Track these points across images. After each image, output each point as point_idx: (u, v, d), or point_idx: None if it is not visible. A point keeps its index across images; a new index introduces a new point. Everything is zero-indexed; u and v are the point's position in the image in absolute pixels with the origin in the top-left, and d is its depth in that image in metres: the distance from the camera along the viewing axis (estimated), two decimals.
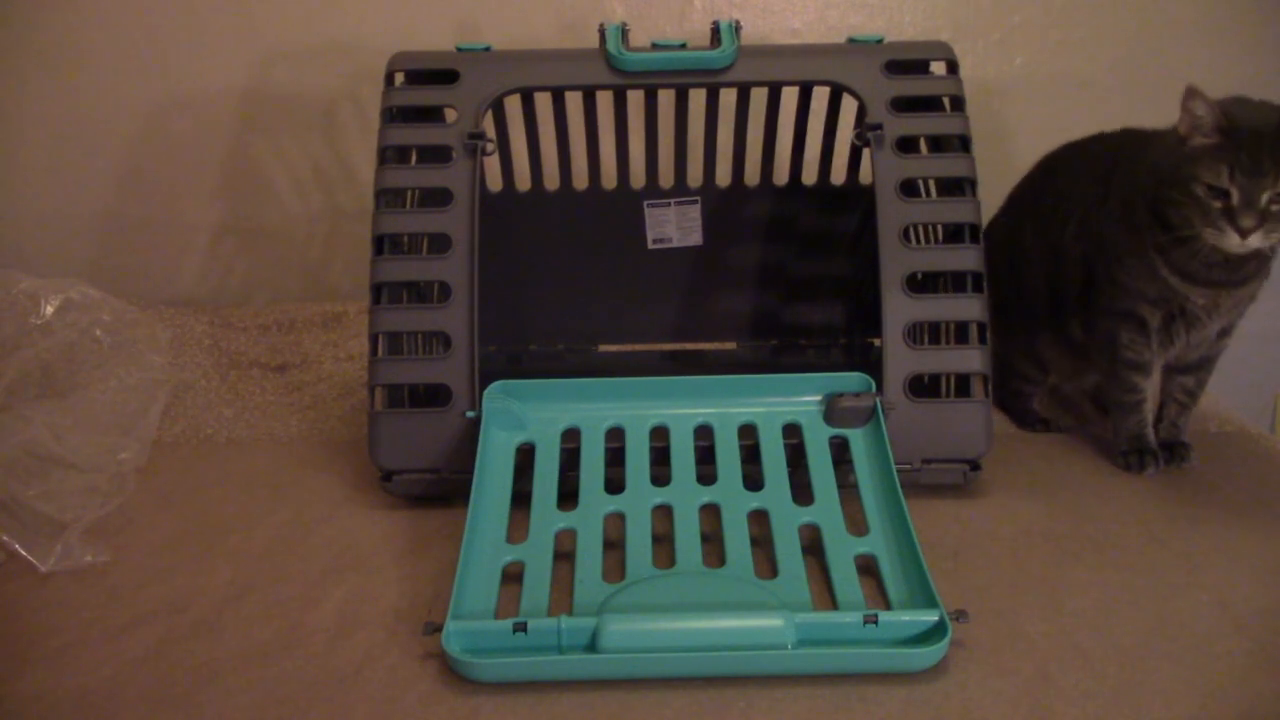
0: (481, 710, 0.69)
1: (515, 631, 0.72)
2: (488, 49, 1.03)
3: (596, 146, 1.13)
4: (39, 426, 0.96)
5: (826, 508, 0.86)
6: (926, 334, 1.03)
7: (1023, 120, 1.43)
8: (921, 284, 0.98)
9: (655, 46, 1.00)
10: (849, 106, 1.05)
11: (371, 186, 0.99)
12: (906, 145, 0.99)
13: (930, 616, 0.73)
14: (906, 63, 1.01)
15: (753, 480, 0.89)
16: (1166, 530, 0.91)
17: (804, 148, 1.15)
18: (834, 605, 0.78)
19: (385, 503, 0.97)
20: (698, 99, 1.09)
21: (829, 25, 1.41)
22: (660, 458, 0.92)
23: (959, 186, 0.99)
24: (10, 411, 1.00)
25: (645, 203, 1.18)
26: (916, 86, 1.01)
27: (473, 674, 0.71)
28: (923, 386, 1.00)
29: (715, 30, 1.03)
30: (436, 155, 1.00)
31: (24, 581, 0.85)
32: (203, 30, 1.40)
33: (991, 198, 1.02)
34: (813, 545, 0.84)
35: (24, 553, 0.87)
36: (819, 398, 0.96)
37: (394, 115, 1.00)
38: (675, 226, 1.19)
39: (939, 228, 1.03)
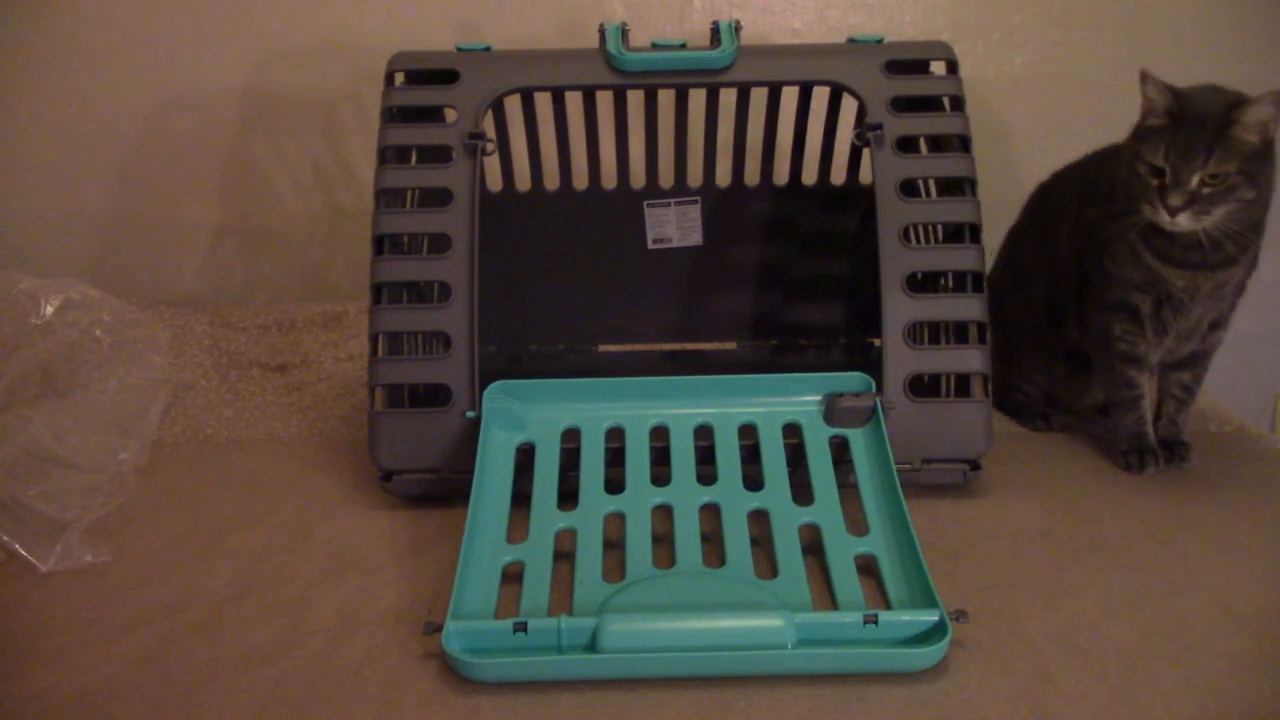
0: (481, 710, 0.69)
1: (515, 631, 0.72)
2: (488, 49, 1.03)
3: (596, 146, 1.13)
4: (39, 426, 0.96)
5: (826, 508, 0.86)
6: (926, 334, 1.03)
7: (1023, 120, 1.43)
8: (921, 284, 0.98)
9: (655, 46, 1.00)
10: (849, 106, 1.05)
11: (371, 186, 0.99)
12: (906, 145, 0.99)
13: (930, 616, 0.73)
14: (906, 63, 1.01)
15: (753, 480, 0.89)
16: (1166, 530, 0.91)
17: (804, 148, 1.15)
18: (834, 605, 0.78)
19: (385, 503, 0.97)
20: (698, 99, 1.09)
21: (829, 25, 1.41)
22: (660, 458, 0.92)
23: (959, 186, 0.99)
24: (10, 411, 1.00)
25: (645, 203, 1.18)
26: (916, 86, 1.01)
27: (473, 674, 0.71)
28: (923, 386, 1.00)
29: (715, 30, 1.03)
30: (436, 155, 1.00)
31: (24, 581, 0.85)
32: (203, 30, 1.40)
33: (991, 197, 1.02)
34: (813, 545, 0.84)
35: (24, 553, 0.87)
36: (819, 398, 0.96)
37: (394, 115, 1.00)
38: (675, 226, 1.19)
39: (939, 227, 1.03)
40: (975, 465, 0.96)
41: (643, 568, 0.80)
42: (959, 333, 0.97)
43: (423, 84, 1.02)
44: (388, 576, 0.85)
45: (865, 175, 1.09)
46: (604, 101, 1.09)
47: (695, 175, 1.17)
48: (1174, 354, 1.04)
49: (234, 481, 1.03)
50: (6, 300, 1.09)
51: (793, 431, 0.94)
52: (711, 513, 0.87)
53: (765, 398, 0.96)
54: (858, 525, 0.85)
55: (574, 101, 1.09)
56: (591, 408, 0.95)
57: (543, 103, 1.09)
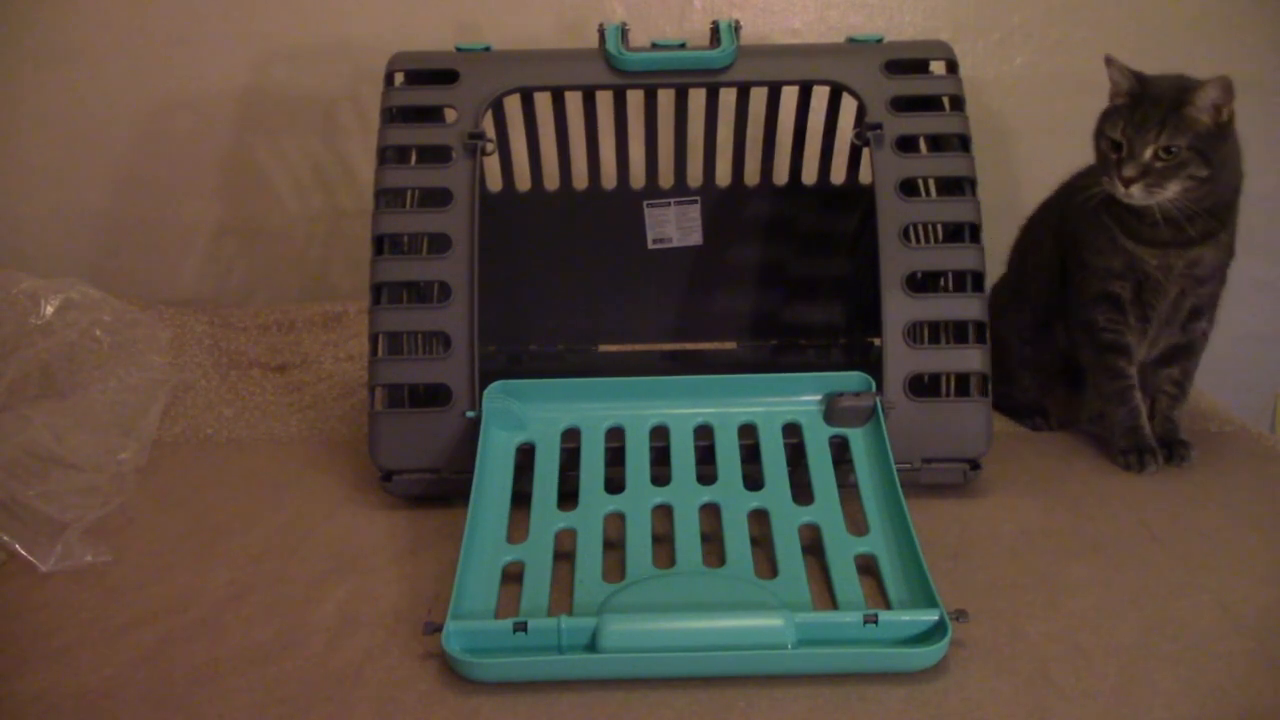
0: (481, 710, 0.69)
1: (515, 631, 0.72)
2: (488, 49, 1.03)
3: (596, 146, 1.13)
4: (39, 426, 0.96)
5: (826, 507, 0.86)
6: (926, 333, 1.03)
7: (1023, 120, 1.43)
8: (921, 283, 0.98)
9: (655, 46, 1.00)
10: (849, 106, 1.05)
11: (371, 186, 0.99)
12: (906, 145, 0.99)
13: (930, 616, 0.73)
14: (906, 62, 1.01)
15: (753, 480, 0.89)
16: (1166, 530, 0.91)
17: (804, 147, 1.15)
18: (834, 605, 0.78)
19: (385, 503, 0.97)
20: (697, 99, 1.09)
21: (829, 25, 1.41)
22: (660, 457, 0.92)
23: (959, 186, 0.99)
24: (10, 411, 1.00)
25: (645, 203, 1.18)
26: (916, 86, 1.01)
27: (473, 674, 0.71)
28: (923, 386, 1.00)
29: (715, 30, 1.03)
30: (436, 155, 1.00)
31: (24, 581, 0.85)
32: (203, 30, 1.40)
33: (991, 197, 1.02)
34: (813, 545, 0.84)
35: (24, 553, 0.87)
36: (819, 397, 0.96)
37: (394, 115, 1.00)
38: (675, 226, 1.19)
39: (939, 227, 1.03)
40: (975, 465, 0.96)
41: (643, 568, 0.80)
42: (959, 332, 0.97)
43: (422, 84, 1.02)
44: (388, 576, 0.85)
45: (865, 175, 1.09)
46: (604, 101, 1.09)
47: (695, 175, 1.17)
48: (1157, 345, 1.05)
49: (234, 481, 1.03)
50: (6, 300, 1.09)
51: (793, 431, 0.94)
52: (711, 512, 0.87)
53: (765, 397, 0.96)
54: (858, 525, 0.85)
55: (574, 101, 1.09)
56: (591, 408, 0.95)
57: (542, 103, 1.09)
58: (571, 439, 0.93)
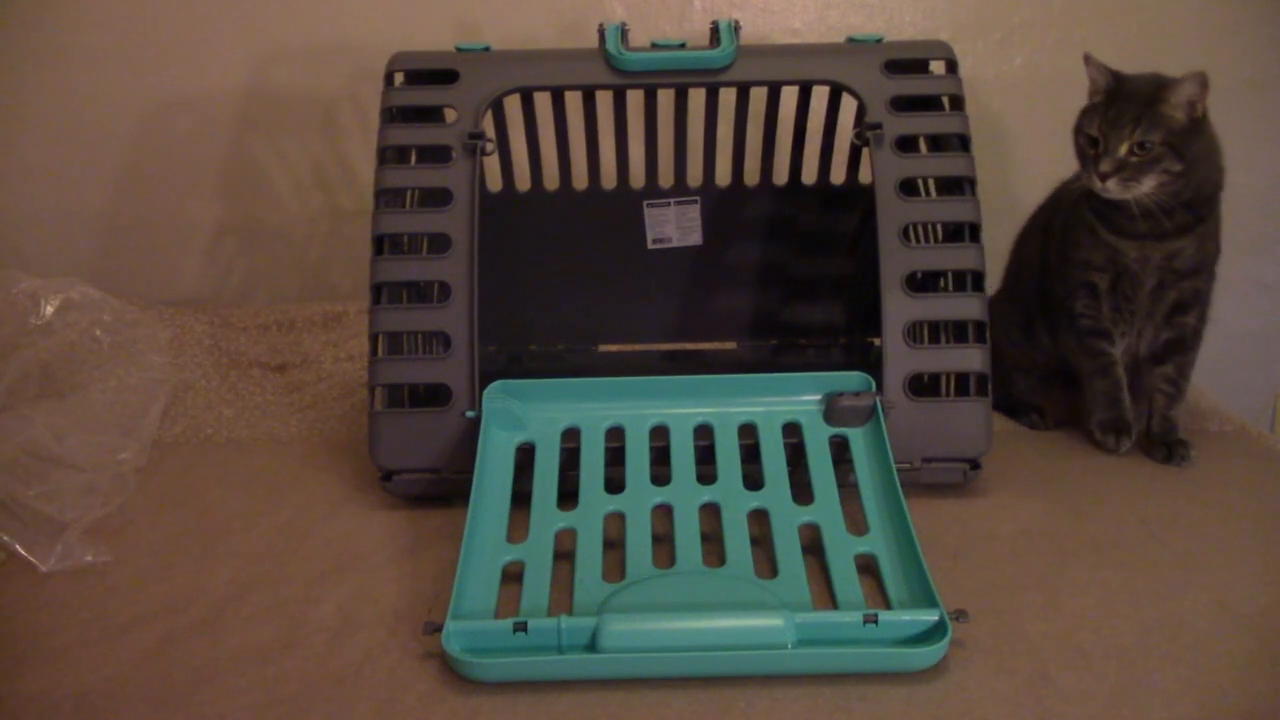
0: (481, 710, 0.69)
1: (515, 631, 0.72)
2: (487, 49, 1.03)
3: (596, 146, 1.13)
4: (39, 426, 0.96)
5: (826, 507, 0.86)
6: (926, 333, 1.03)
7: (1023, 120, 1.43)
8: (921, 283, 0.98)
9: (655, 46, 1.00)
10: (849, 106, 1.05)
11: (371, 186, 0.99)
12: (906, 144, 0.99)
13: (930, 616, 0.73)
14: (906, 62, 1.01)
15: (753, 480, 0.89)
16: (1166, 530, 0.91)
17: (804, 147, 1.15)
18: (834, 605, 0.78)
19: (385, 503, 0.97)
20: (697, 99, 1.09)
21: (829, 25, 1.41)
22: (660, 457, 0.92)
23: (958, 186, 0.99)
24: (10, 411, 1.00)
25: (645, 203, 1.18)
26: (916, 86, 1.01)
27: (473, 674, 0.71)
28: (922, 386, 1.00)
29: (715, 30, 1.03)
30: (436, 155, 1.00)
31: (24, 581, 0.85)
32: (203, 30, 1.40)
33: (991, 197, 1.02)
34: (813, 545, 0.84)
35: (24, 553, 0.87)
36: (819, 397, 0.96)
37: (394, 115, 1.00)
38: (675, 226, 1.19)
39: (938, 227, 1.03)
40: (975, 464, 0.96)
41: (643, 567, 0.80)
42: (958, 332, 0.97)
43: (422, 84, 1.02)
44: (388, 576, 0.85)
45: (865, 175, 1.09)
46: (603, 101, 1.09)
47: (695, 175, 1.17)
48: (1145, 339, 1.06)
49: (234, 481, 1.03)
50: (6, 300, 1.09)
51: (793, 431, 0.94)
52: (711, 512, 0.87)
53: (765, 397, 0.96)
54: (858, 525, 0.85)
55: (574, 101, 1.09)
56: (591, 407, 0.95)
57: (542, 103, 1.09)
58: (571, 439, 0.93)
